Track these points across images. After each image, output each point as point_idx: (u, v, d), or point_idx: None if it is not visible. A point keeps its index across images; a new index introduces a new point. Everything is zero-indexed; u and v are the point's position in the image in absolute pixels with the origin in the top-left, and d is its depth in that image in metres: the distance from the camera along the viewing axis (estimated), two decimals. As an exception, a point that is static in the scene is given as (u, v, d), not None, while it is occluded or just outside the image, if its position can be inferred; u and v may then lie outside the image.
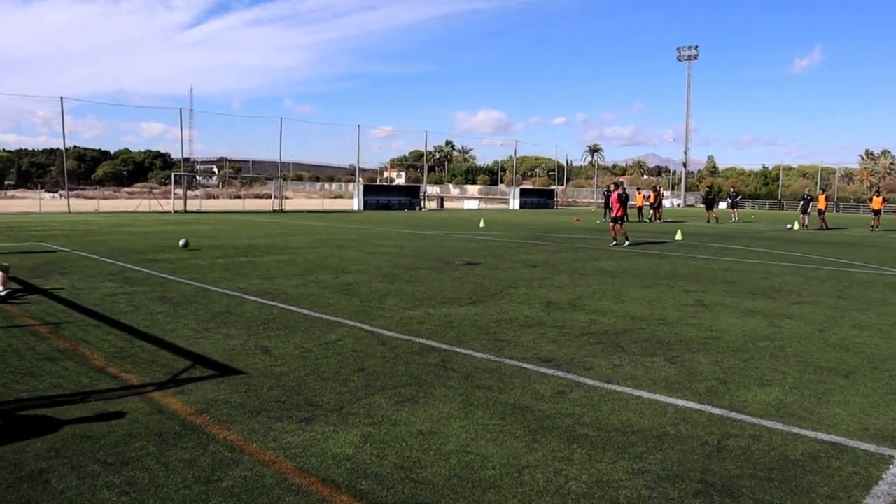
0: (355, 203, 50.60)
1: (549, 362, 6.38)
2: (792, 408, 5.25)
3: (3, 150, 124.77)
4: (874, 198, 36.54)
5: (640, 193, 41.03)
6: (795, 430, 4.78)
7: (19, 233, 21.47)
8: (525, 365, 6.27)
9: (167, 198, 46.44)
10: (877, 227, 34.54)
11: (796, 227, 34.04)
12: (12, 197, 70.53)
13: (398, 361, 6.31)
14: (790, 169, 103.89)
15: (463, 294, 10.18)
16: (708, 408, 5.19)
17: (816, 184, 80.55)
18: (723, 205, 55.50)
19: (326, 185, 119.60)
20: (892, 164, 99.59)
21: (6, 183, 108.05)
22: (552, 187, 77.63)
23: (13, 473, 3.83)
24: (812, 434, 4.71)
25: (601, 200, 45.28)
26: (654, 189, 42.13)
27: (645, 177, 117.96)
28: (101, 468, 3.91)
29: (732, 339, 7.56)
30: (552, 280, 11.93)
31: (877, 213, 35.23)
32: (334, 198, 79.89)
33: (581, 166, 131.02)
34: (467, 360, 6.39)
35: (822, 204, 34.94)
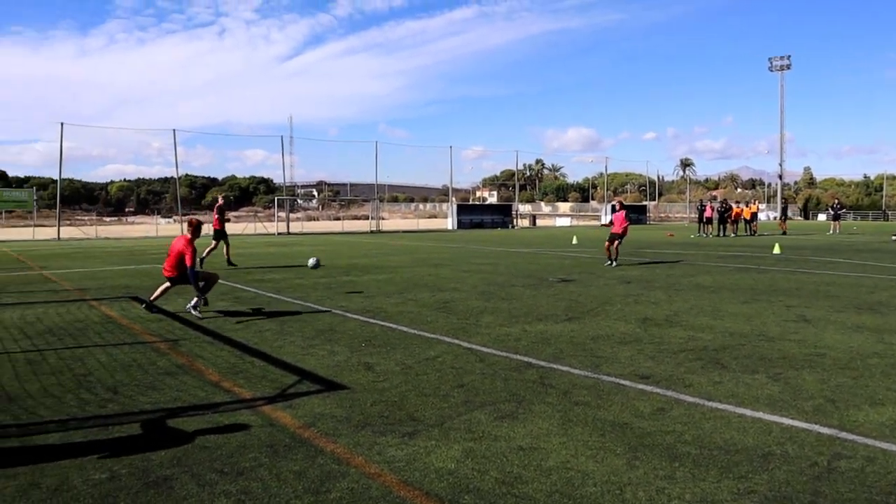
0: (449, 222, 51.17)
1: (647, 379, 6.34)
2: (908, 428, 5.05)
3: (124, 179, 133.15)
4: None
5: (737, 207, 39.89)
6: (913, 451, 4.60)
7: (140, 255, 22.77)
8: (623, 381, 6.25)
9: (271, 220, 48.23)
10: None
11: None
12: (132, 223, 74.73)
13: (496, 378, 6.40)
14: (894, 178, 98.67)
15: (558, 311, 10.20)
16: (816, 427, 5.05)
17: (928, 192, 76.27)
18: (822, 216, 53.33)
19: (421, 206, 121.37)
20: None
21: (126, 210, 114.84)
22: (644, 203, 76.27)
23: (141, 479, 4.12)
24: (931, 456, 4.53)
25: (695, 215, 44.26)
26: (746, 203, 41.17)
27: (739, 190, 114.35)
28: (219, 477, 4.16)
29: (839, 355, 7.30)
30: (648, 296, 11.79)
31: None
32: (428, 218, 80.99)
33: (672, 181, 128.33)
34: (565, 377, 6.42)
35: None
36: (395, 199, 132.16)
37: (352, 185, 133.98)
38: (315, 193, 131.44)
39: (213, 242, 17.93)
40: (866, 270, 16.73)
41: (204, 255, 16.71)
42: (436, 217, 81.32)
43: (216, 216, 18.13)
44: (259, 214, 70.41)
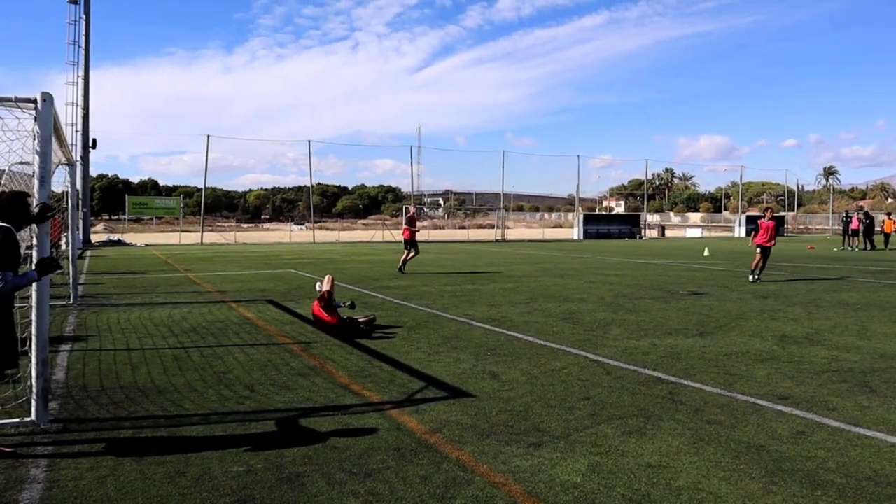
0: (575, 232, 50.64)
1: (786, 400, 6.01)
2: None
3: (261, 188, 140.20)
4: None
5: (889, 219, 37.22)
6: None
7: (275, 260, 23.89)
8: (759, 401, 5.96)
9: (398, 228, 49.33)
10: None
11: None
12: (267, 229, 78.58)
13: (624, 392, 6.26)
14: None
15: (689, 325, 9.86)
16: (979, 460, 4.63)
17: None
18: None
19: (546, 215, 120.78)
20: None
21: (262, 216, 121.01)
22: (782, 214, 72.62)
23: (275, 475, 4.30)
24: None
25: (838, 227, 41.61)
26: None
27: (889, 200, 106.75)
28: (347, 477, 4.28)
29: None
30: (786, 312, 11.19)
31: None
32: (554, 227, 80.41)
33: (814, 191, 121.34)
34: (696, 394, 6.20)
35: None
36: (520, 209, 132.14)
37: (477, 194, 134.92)
38: (441, 202, 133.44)
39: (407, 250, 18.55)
40: None
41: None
42: (561, 227, 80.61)
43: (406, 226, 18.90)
44: (387, 222, 72.15)
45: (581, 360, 7.54)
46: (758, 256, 16.28)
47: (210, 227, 59.52)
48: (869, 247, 33.88)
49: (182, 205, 51.52)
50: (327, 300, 9.40)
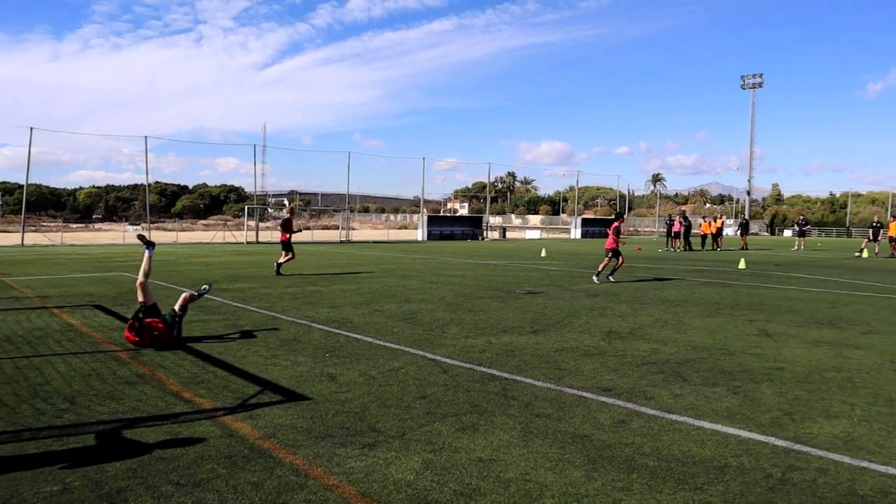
0: (419, 233, 51.14)
1: (609, 391, 6.39)
2: (860, 441, 5.15)
3: (94, 186, 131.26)
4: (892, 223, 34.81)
5: (705, 221, 40.45)
6: (864, 464, 4.69)
7: (105, 263, 22.42)
8: (585, 394, 6.29)
9: (240, 230, 47.80)
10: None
11: (865, 254, 32.93)
12: (98, 230, 73.67)
13: (459, 389, 6.41)
14: (859, 196, 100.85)
15: (524, 323, 10.24)
16: (772, 439, 5.13)
17: (887, 210, 77.95)
18: (788, 232, 54.17)
19: (392, 217, 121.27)
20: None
21: (94, 216, 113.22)
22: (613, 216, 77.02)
23: (94, 492, 4.06)
24: (882, 468, 4.61)
25: (663, 229, 44.71)
26: (714, 218, 41.77)
27: (707, 205, 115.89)
28: (174, 489, 4.11)
29: (798, 369, 7.42)
30: (613, 309, 11.88)
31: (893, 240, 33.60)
32: (399, 228, 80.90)
33: (643, 195, 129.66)
34: (528, 389, 6.45)
35: (893, 231, 33.76)
36: (365, 210, 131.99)
37: (323, 194, 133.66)
38: (286, 202, 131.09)
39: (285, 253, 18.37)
40: (828, 286, 17.03)
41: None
42: (406, 228, 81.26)
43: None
44: (229, 223, 69.80)
45: (419, 360, 7.64)
46: (607, 259, 17.06)
47: (33, 228, 55.14)
48: (687, 248, 36.63)
49: (0, 202, 47.38)
50: (141, 316, 8.38)
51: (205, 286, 9.79)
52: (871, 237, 34.27)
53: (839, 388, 6.64)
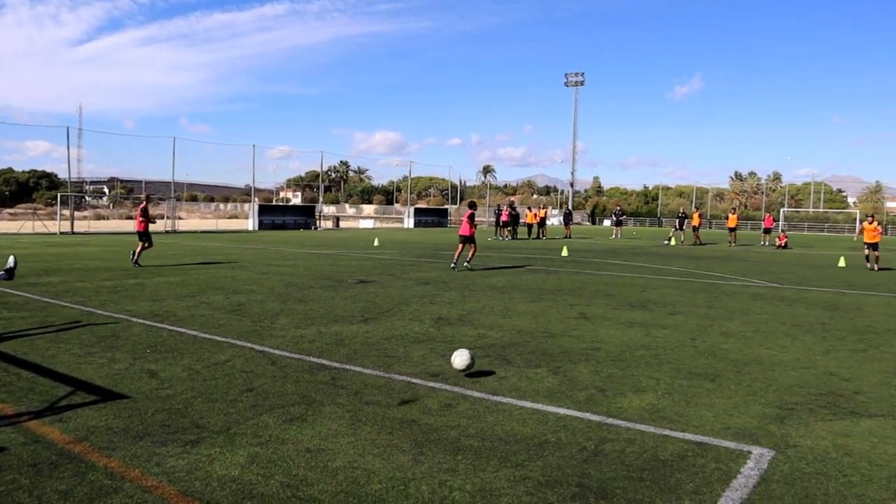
0: (250, 223, 49.55)
1: (437, 376, 6.53)
2: (664, 411, 5.59)
3: None
4: (730, 216, 38.97)
5: (531, 212, 42.17)
6: (666, 432, 5.10)
7: None
8: (414, 380, 6.39)
9: (53, 219, 44.14)
10: (734, 242, 36.88)
11: (673, 242, 35.81)
12: None
13: (288, 380, 6.31)
14: (668, 189, 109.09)
15: (355, 312, 10.23)
16: (587, 415, 5.46)
17: (692, 202, 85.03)
18: (607, 222, 57.64)
19: (221, 206, 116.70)
20: (758, 184, 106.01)
21: None
22: (446, 207, 78.51)
23: None
24: (681, 435, 5.04)
25: (493, 219, 46.17)
26: (539, 208, 43.73)
27: (535, 196, 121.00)
28: (-30, 502, 3.76)
29: (612, 349, 7.94)
30: (443, 296, 12.14)
31: (732, 230, 37.56)
32: (229, 218, 78.01)
33: (475, 186, 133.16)
34: (357, 377, 6.46)
35: (696, 221, 36.98)
36: (193, 199, 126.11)
37: (147, 182, 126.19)
38: (106, 191, 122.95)
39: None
40: (641, 272, 18.31)
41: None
42: (237, 217, 78.59)
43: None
44: (39, 212, 64.35)
45: (247, 352, 7.44)
46: (461, 247, 17.49)
47: None
48: (514, 237, 38.08)
49: None
50: None
51: (10, 264, 8.82)
52: (677, 226, 37.31)
53: (647, 365, 7.18)
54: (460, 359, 6.41)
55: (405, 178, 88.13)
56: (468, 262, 17.68)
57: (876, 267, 20.59)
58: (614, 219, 46.38)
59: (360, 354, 7.41)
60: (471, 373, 6.63)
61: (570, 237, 40.37)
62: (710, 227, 72.86)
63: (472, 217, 17.62)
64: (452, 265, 17.49)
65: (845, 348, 8.43)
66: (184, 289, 12.69)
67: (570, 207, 57.98)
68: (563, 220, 44.88)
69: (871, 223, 20.82)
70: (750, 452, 4.73)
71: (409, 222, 62.83)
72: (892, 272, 20.54)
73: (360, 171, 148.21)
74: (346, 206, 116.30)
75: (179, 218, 52.64)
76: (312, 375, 6.50)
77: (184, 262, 18.76)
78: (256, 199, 61.70)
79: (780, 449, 4.82)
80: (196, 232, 43.48)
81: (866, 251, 20.93)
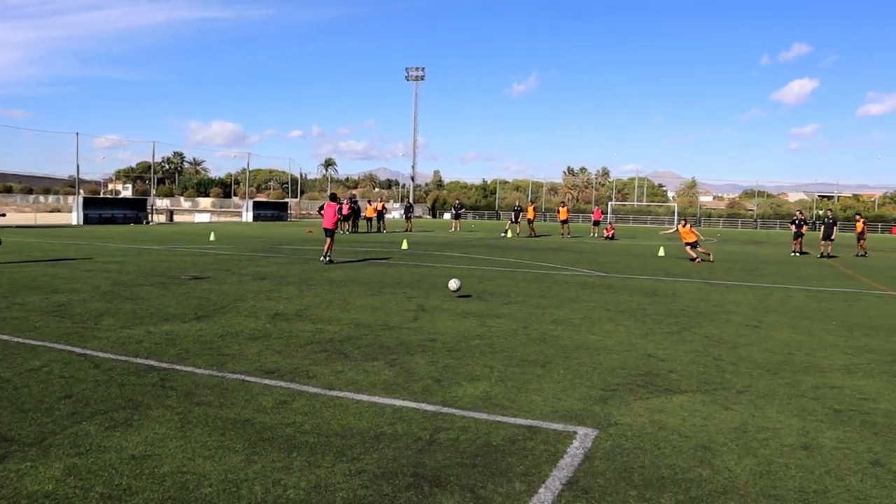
0: (74, 217, 46.22)
1: (272, 373, 6.40)
2: (497, 398, 5.79)
3: None
4: (561, 209, 41.21)
5: (370, 205, 42.19)
6: (498, 418, 5.29)
7: None
8: (248, 378, 6.23)
9: None
10: (566, 234, 38.95)
11: (509, 234, 37.10)
12: None
13: (112, 384, 5.96)
14: (506, 183, 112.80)
15: (188, 310, 9.82)
16: (423, 405, 5.55)
17: (527, 196, 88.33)
18: (447, 215, 58.61)
19: (42, 198, 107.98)
20: (588, 179, 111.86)
21: None
22: (286, 200, 77.02)
23: None
24: (512, 420, 5.24)
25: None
26: (379, 200, 43.90)
27: (376, 189, 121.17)
28: None
29: (448, 339, 8.11)
30: (281, 292, 11.91)
31: (564, 222, 39.71)
32: (51, 212, 72.30)
33: (315, 179, 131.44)
34: (188, 378, 6.20)
35: (530, 214, 38.54)
36: (8, 190, 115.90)
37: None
38: None
39: None
40: (478, 263, 18.81)
41: None
42: (60, 211, 73.07)
43: None
44: None
45: (66, 356, 6.95)
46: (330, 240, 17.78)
47: None
48: (355, 231, 37.99)
49: None
50: None
51: None
52: (513, 219, 38.68)
53: (481, 354, 7.40)
54: (454, 283, 10.09)
55: (243, 171, 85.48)
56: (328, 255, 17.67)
57: (698, 259, 22.28)
58: (454, 212, 47.30)
59: (192, 354, 7.13)
60: (308, 367, 6.56)
61: (410, 230, 40.77)
62: (544, 220, 76.02)
63: (340, 210, 17.94)
64: (322, 259, 17.66)
65: (662, 331, 9.09)
66: (-7, 289, 11.65)
67: (410, 201, 58.36)
68: (404, 213, 45.25)
69: (684, 226, 22.56)
70: (576, 433, 5.00)
71: (248, 216, 61.09)
72: (706, 264, 22.32)
73: (195, 163, 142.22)
74: (182, 199, 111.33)
75: (-11, 211, 48.28)
76: (139, 378, 6.17)
77: (-6, 261, 17.23)
78: (82, 191, 57.73)
79: (603, 427, 5.13)
80: (10, 227, 40.06)
81: (687, 249, 22.62)
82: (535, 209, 40.90)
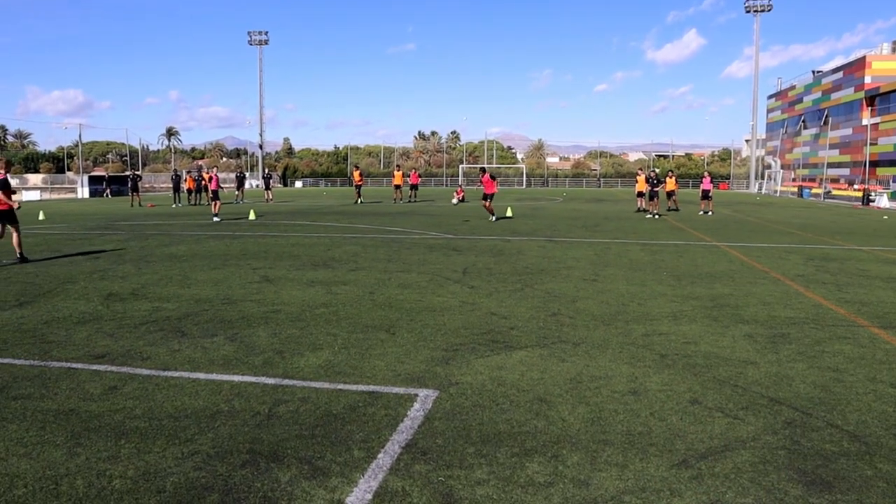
0: None
1: (102, 358, 6.03)
2: (340, 366, 5.74)
3: None
4: (395, 173, 40.07)
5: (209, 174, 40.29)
6: (340, 386, 5.25)
7: None
8: (75, 365, 5.84)
9: None
10: (399, 199, 38.03)
11: (360, 202, 36.96)
12: None
13: (-87, 384, 5.41)
14: (358, 149, 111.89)
15: (8, 296, 9.06)
16: (263, 379, 5.41)
17: (380, 161, 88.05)
18: (299, 183, 57.10)
19: None
20: (439, 142, 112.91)
21: None
22: (127, 173, 72.88)
23: None
24: (354, 387, 5.21)
25: (171, 185, 43.56)
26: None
27: (224, 159, 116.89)
28: None
29: (293, 310, 7.96)
30: (116, 270, 11.24)
31: (398, 187, 38.66)
32: None
33: (158, 150, 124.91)
34: (4, 370, 5.73)
35: (398, 180, 38.24)
36: None
37: None
38: None
39: None
40: (328, 231, 18.58)
41: None
42: None
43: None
44: None
45: None
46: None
47: None
48: (198, 203, 36.39)
49: None
50: None
51: None
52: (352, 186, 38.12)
53: (326, 322, 7.31)
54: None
55: (76, 144, 79.83)
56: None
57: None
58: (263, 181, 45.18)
59: (11, 343, 6.59)
60: (142, 349, 6.24)
61: (270, 201, 39.07)
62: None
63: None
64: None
65: (506, 289, 9.34)
66: None
67: (268, 171, 56.10)
68: (264, 184, 43.55)
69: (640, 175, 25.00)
70: (416, 395, 5.04)
71: (84, 192, 57.32)
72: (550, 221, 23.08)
73: (21, 136, 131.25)
74: (7, 176, 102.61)
75: None
76: (-54, 374, 5.64)
77: None
78: None
79: (444, 388, 5.21)
80: None
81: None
82: (360, 174, 40.26)
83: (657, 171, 32.04)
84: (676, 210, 29.54)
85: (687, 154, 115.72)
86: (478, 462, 3.96)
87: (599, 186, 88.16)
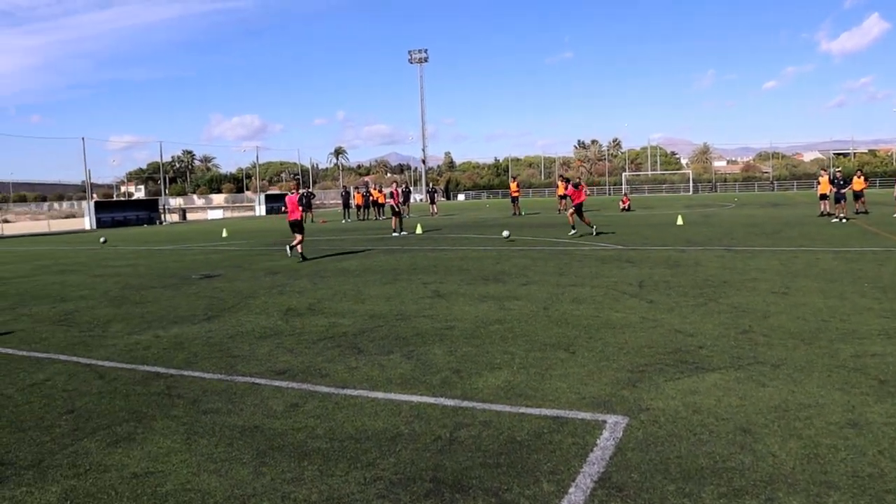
0: (87, 222, 46.33)
1: (283, 374, 6.11)
2: (519, 387, 5.46)
3: None
4: (560, 184, 39.49)
5: (380, 192, 41.70)
6: (522, 409, 4.96)
7: None
8: (258, 380, 5.95)
9: None
10: (564, 209, 37.55)
11: (524, 213, 36.71)
12: None
13: (116, 395, 5.70)
14: (518, 160, 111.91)
15: (198, 310, 9.56)
16: (442, 400, 5.23)
17: (540, 172, 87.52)
18: (461, 197, 57.81)
19: (56, 205, 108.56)
20: (600, 151, 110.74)
21: None
22: (301, 191, 76.89)
23: None
24: (537, 411, 4.91)
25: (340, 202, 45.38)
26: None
27: (388, 175, 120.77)
28: None
29: (466, 326, 7.78)
30: (293, 286, 11.62)
31: (563, 197, 38.00)
32: (65, 218, 72.63)
33: (327, 169, 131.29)
34: (195, 384, 5.93)
35: (561, 191, 37.68)
36: (22, 199, 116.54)
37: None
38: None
39: None
40: (494, 244, 18.44)
41: None
42: (74, 217, 73.37)
43: None
44: None
45: (71, 367, 6.70)
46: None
47: None
48: (363, 218, 37.66)
49: None
50: None
51: None
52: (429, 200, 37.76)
53: (501, 340, 7.06)
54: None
55: (254, 165, 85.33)
56: (293, 247, 16.32)
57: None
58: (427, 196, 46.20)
59: (201, 357, 6.85)
60: (321, 365, 6.27)
61: (435, 214, 39.59)
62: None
63: (303, 200, 16.60)
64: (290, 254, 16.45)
65: (687, 304, 8.71)
66: (1, 301, 11.47)
67: (432, 185, 57.14)
68: (428, 197, 44.31)
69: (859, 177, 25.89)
70: (605, 422, 4.67)
71: (261, 210, 61.05)
72: (716, 230, 21.79)
73: (205, 160, 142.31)
74: (195, 197, 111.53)
75: (6, 221, 48.52)
76: (145, 387, 5.91)
77: (4, 271, 17.10)
78: (94, 195, 57.90)
79: (634, 414, 4.79)
80: (24, 236, 40.14)
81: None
82: (518, 185, 39.52)
83: (841, 170, 29.37)
84: (866, 213, 26.96)
85: (871, 150, 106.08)
86: (681, 502, 3.54)
87: (773, 190, 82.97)
